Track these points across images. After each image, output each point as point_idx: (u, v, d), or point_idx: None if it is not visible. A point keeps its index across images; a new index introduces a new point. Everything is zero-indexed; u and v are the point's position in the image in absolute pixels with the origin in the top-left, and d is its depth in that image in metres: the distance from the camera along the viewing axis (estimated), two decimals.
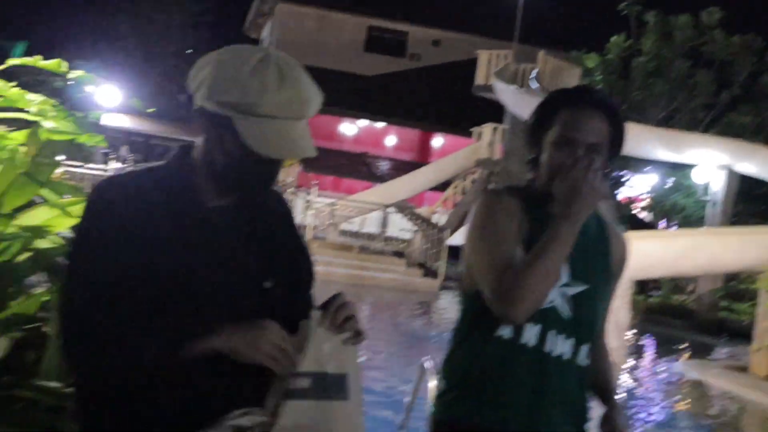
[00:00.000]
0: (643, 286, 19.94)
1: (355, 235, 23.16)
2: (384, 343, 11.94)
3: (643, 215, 24.76)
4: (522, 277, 2.18)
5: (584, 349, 2.36)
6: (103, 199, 1.76)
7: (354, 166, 33.45)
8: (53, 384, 2.99)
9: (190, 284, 1.73)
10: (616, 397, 2.53)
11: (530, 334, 2.30)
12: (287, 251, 1.93)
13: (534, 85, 22.15)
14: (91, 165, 18.70)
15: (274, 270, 1.85)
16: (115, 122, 26.85)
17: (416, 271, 20.78)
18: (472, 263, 2.36)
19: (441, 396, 2.43)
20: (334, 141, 33.47)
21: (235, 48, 1.80)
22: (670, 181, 22.99)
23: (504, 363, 2.31)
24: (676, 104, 24.07)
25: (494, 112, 25.44)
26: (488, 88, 23.82)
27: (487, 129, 26.23)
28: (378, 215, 24.34)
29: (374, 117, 34.38)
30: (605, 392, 2.51)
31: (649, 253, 10.72)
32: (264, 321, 1.74)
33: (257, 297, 1.80)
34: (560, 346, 2.32)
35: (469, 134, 27.99)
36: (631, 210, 24.55)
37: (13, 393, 3.05)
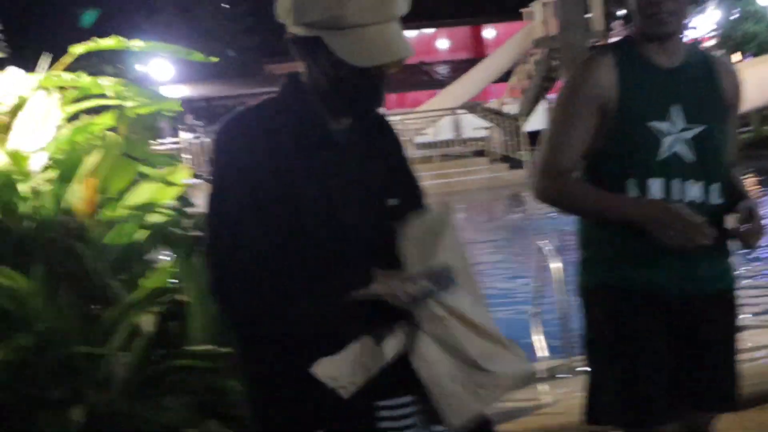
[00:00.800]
0: None
1: (432, 145, 22.98)
2: (488, 242, 11.96)
3: (715, 53, 23.96)
4: (562, 194, 2.34)
5: (714, 188, 2.32)
6: (232, 136, 1.75)
7: (414, 78, 33.08)
8: (204, 348, 3.06)
9: (326, 207, 1.74)
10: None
11: (655, 188, 2.27)
12: (402, 169, 1.95)
13: None
14: (161, 140, 18.89)
15: (396, 188, 1.87)
16: (174, 93, 27.07)
17: (501, 166, 20.63)
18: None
19: (584, 264, 2.42)
20: None
21: None
22: (735, 12, 22.11)
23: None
24: None
25: None
26: None
27: (537, 6, 25.49)
28: (449, 120, 24.10)
29: (422, 24, 33.81)
30: (737, 195, 2.40)
31: None
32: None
33: (383, 215, 1.82)
34: (689, 191, 2.28)
35: (519, 17, 27.31)
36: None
37: (168, 364, 3.14)
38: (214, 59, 4.91)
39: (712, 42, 24.16)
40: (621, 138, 2.28)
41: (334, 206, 1.75)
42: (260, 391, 1.82)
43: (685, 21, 2.33)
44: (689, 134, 2.28)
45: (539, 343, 5.19)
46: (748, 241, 2.27)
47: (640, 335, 2.30)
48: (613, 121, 2.28)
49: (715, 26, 23.38)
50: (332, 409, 1.72)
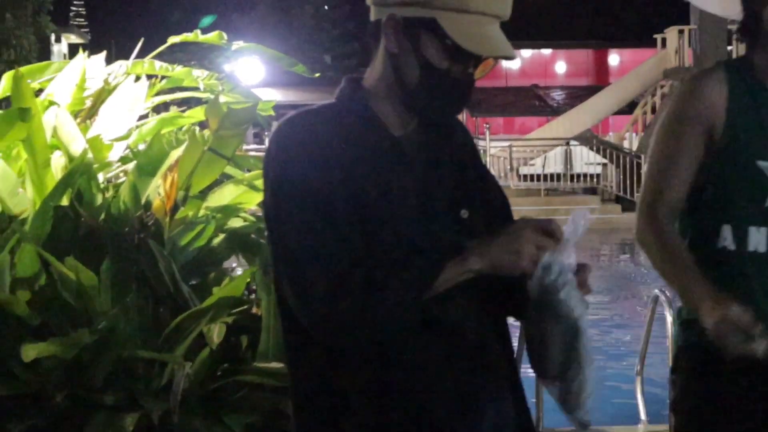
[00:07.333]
0: None
1: (539, 178, 22.90)
2: (595, 291, 11.92)
3: None
4: (652, 244, 2.21)
5: None
6: (292, 138, 1.77)
7: (525, 102, 33.01)
8: (275, 365, 3.12)
9: (390, 214, 1.76)
10: None
11: (756, 239, 2.18)
12: (477, 180, 1.95)
13: None
14: (245, 147, 19.30)
15: (468, 199, 1.88)
16: (263, 97, 27.56)
17: (613, 207, 20.38)
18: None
19: (685, 323, 2.32)
20: (499, 78, 33.12)
21: None
22: None
23: (736, 276, 2.19)
24: None
25: (678, 13, 24.47)
26: None
27: (671, 34, 25.23)
28: (560, 152, 23.98)
29: (539, 44, 33.80)
30: None
31: None
32: (515, 225, 1.76)
33: (454, 226, 1.83)
34: None
35: (651, 44, 27.07)
36: None
37: (236, 379, 3.22)
38: (317, 74, 4.99)
39: None
40: (721, 174, 2.21)
41: (399, 217, 1.77)
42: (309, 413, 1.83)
43: None
44: None
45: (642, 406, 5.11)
46: None
47: (725, 399, 2.21)
48: (716, 153, 2.20)
49: None
50: None
